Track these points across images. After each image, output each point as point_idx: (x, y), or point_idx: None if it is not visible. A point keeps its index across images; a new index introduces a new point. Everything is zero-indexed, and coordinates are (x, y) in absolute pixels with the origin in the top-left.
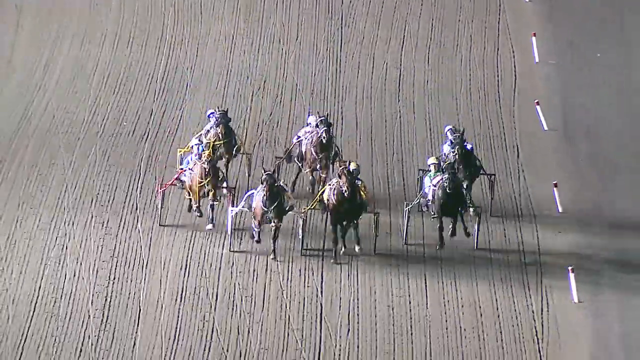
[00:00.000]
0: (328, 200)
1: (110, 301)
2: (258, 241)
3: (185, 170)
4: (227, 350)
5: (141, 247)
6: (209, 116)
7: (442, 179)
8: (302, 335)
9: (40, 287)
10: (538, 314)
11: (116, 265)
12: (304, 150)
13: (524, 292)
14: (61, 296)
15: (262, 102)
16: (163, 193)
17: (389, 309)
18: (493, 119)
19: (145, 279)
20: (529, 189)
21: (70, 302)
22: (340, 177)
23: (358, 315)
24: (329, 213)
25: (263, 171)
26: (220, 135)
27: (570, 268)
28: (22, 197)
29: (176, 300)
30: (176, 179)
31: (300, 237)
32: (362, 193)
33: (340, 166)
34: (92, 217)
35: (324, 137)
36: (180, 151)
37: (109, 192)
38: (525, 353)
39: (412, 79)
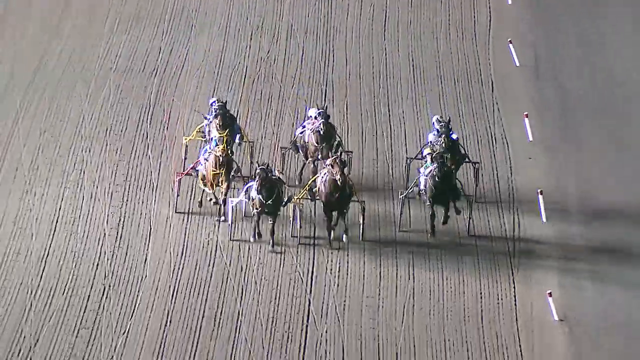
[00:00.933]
0: (319, 189)
1: (124, 221)
2: (258, 237)
3: (202, 160)
4: (230, 265)
5: (151, 172)
6: (211, 104)
7: (432, 169)
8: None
9: (60, 208)
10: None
11: (129, 189)
12: (306, 141)
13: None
14: (79, 216)
15: (260, 41)
16: (179, 182)
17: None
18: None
19: (155, 201)
20: (502, 119)
21: (88, 221)
22: (332, 166)
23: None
24: (322, 202)
25: (257, 165)
26: (217, 126)
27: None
28: (44, 127)
29: (183, 220)
30: (192, 168)
31: (298, 227)
32: (350, 184)
33: (333, 155)
34: (107, 145)
35: (321, 129)
36: (186, 139)
37: (121, 122)
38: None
39: (396, 20)
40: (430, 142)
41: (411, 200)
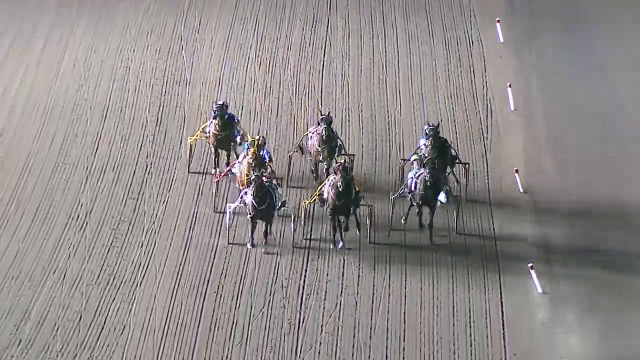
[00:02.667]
0: (327, 194)
1: (163, 109)
2: (253, 245)
3: (236, 163)
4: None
5: (185, 68)
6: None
7: (422, 172)
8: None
9: (110, 98)
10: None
11: (167, 82)
12: (309, 144)
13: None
14: (126, 105)
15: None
16: (217, 183)
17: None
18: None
19: (189, 93)
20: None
21: (133, 109)
22: (336, 173)
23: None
24: (328, 206)
25: (252, 172)
26: (217, 127)
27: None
28: (95, 30)
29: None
30: (228, 170)
31: (293, 230)
32: (356, 188)
33: (338, 162)
34: (148, 45)
35: (324, 135)
36: (190, 139)
37: (160, 26)
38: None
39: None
40: (420, 146)
41: (404, 201)
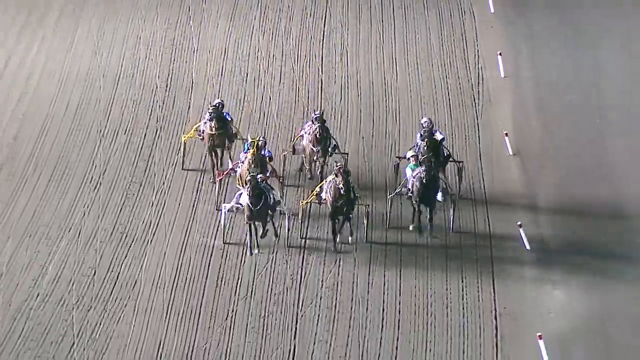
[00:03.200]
0: (326, 195)
1: (171, 75)
2: (251, 254)
3: (238, 162)
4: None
5: (192, 38)
6: (209, 109)
7: (419, 171)
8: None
9: (122, 65)
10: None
11: (175, 51)
12: (304, 144)
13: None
14: (137, 72)
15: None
16: (220, 181)
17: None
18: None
19: (196, 61)
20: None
21: (144, 76)
22: (336, 175)
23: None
24: (328, 208)
25: (248, 173)
26: (214, 128)
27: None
28: (107, 2)
29: (219, 77)
30: (231, 169)
31: (287, 230)
32: (353, 189)
33: (337, 165)
34: (157, 14)
35: (317, 133)
36: (184, 137)
37: None
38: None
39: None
40: (416, 144)
41: (401, 199)
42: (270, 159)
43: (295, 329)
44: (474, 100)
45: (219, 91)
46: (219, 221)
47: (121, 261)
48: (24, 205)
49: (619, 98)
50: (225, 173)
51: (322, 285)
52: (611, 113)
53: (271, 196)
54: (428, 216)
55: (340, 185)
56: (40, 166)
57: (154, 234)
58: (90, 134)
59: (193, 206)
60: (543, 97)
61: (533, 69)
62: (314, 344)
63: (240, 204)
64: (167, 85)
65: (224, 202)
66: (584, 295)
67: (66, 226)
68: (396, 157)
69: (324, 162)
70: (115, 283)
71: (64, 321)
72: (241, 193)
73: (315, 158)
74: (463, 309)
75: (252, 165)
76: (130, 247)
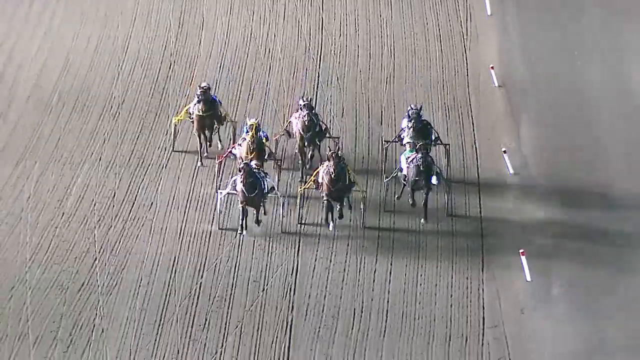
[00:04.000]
0: (322, 180)
1: (184, 14)
2: (241, 233)
3: (236, 145)
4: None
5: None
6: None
7: (415, 157)
8: None
9: (138, 3)
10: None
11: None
12: (294, 131)
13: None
14: (152, 9)
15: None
16: (219, 163)
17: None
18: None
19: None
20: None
21: (158, 14)
22: (329, 160)
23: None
24: (322, 192)
25: (241, 160)
26: (201, 110)
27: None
28: None
29: (225, 17)
30: (229, 152)
31: (282, 216)
32: (350, 174)
33: (330, 151)
34: None
35: (306, 120)
36: (175, 119)
37: None
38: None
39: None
40: (404, 128)
41: (395, 183)
42: (267, 139)
43: (298, 247)
44: (463, 37)
45: (228, 37)
46: (215, 206)
47: (139, 184)
48: (49, 133)
49: (598, 34)
50: (224, 155)
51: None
52: (589, 49)
53: (265, 183)
54: (423, 201)
55: (331, 170)
56: (63, 97)
57: (169, 159)
58: (109, 67)
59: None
60: (526, 34)
61: (518, 5)
62: (315, 260)
63: (235, 191)
64: (179, 23)
65: (219, 189)
66: (563, 215)
67: (88, 152)
68: (385, 141)
69: (314, 148)
70: (133, 204)
71: (87, 239)
72: (236, 179)
73: (306, 144)
74: (452, 228)
75: (251, 149)
76: (146, 171)
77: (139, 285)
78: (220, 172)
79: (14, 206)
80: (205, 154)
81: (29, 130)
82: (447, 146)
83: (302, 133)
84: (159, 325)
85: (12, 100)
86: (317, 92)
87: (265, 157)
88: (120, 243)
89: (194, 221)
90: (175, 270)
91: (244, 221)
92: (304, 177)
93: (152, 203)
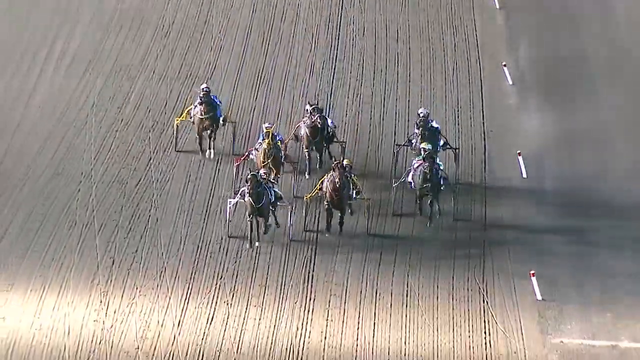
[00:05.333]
0: (325, 189)
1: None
2: (250, 246)
3: (253, 149)
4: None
5: None
6: (203, 89)
7: (422, 165)
8: None
9: None
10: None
11: None
12: (302, 134)
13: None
14: None
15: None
16: (237, 167)
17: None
18: None
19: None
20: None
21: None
22: (334, 170)
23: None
24: (325, 200)
25: (249, 171)
26: (202, 112)
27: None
28: None
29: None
30: (247, 155)
31: (289, 224)
32: (354, 184)
33: (335, 161)
34: None
35: (318, 123)
36: (177, 120)
37: None
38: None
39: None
40: (415, 132)
41: (404, 188)
42: (282, 142)
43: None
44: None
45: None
46: (226, 215)
47: (187, 93)
48: (109, 49)
49: None
50: (242, 158)
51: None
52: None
53: (272, 193)
54: (430, 207)
55: (337, 180)
56: (121, 19)
57: (212, 71)
58: None
59: (243, 51)
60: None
61: None
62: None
63: (244, 200)
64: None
65: (230, 198)
66: (555, 121)
67: (143, 65)
68: (396, 144)
69: (323, 151)
70: (182, 111)
71: (143, 141)
72: (244, 189)
73: (313, 148)
74: (458, 131)
75: (268, 155)
76: (194, 83)
77: (188, 181)
78: (238, 175)
79: (81, 112)
80: (209, 152)
81: (92, 47)
82: (456, 150)
83: (310, 137)
84: (205, 216)
85: (77, 22)
86: (331, 94)
87: (282, 160)
88: (171, 144)
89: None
90: (219, 170)
91: (252, 234)
92: (308, 175)
93: None
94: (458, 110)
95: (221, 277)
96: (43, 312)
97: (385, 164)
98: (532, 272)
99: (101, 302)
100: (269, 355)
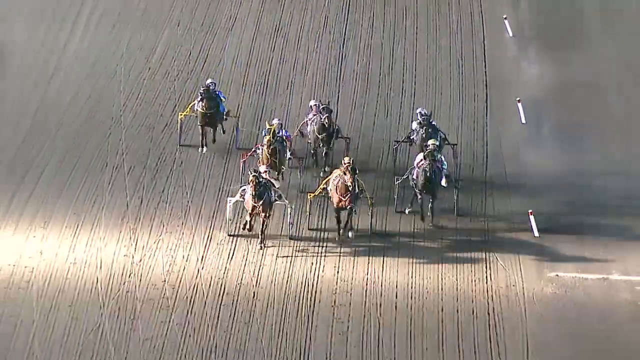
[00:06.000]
0: (332, 192)
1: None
2: (249, 229)
3: (260, 145)
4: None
5: None
6: (208, 84)
7: (423, 162)
8: None
9: None
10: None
11: None
12: (309, 131)
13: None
14: None
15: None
16: (244, 163)
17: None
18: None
19: None
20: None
21: None
22: (345, 173)
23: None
24: (332, 202)
25: (251, 171)
26: (205, 107)
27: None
28: None
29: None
30: (253, 151)
31: (289, 223)
32: (359, 185)
33: (345, 163)
34: None
35: (325, 122)
36: (181, 115)
37: None
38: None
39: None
40: (414, 129)
41: (406, 185)
42: (289, 138)
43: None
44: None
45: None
46: (226, 214)
47: (209, 44)
48: (137, 3)
49: None
50: (249, 154)
51: None
52: None
53: (272, 193)
54: (430, 205)
55: (349, 183)
56: None
57: (233, 24)
58: None
59: (261, 7)
60: None
61: None
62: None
63: (244, 199)
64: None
65: (229, 197)
66: (553, 70)
67: (168, 18)
68: (395, 141)
69: (329, 148)
70: (205, 61)
71: (168, 89)
72: (245, 187)
73: (320, 145)
74: (461, 80)
75: (269, 151)
76: (216, 34)
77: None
78: (245, 171)
79: (111, 62)
80: (203, 149)
81: (120, 2)
82: (455, 146)
83: (317, 134)
84: (227, 159)
85: None
86: (339, 89)
87: (289, 156)
88: (195, 92)
89: (253, 74)
90: (239, 115)
91: (249, 222)
92: (321, 172)
93: (220, 60)
94: (462, 61)
95: (241, 215)
96: (77, 247)
97: (387, 159)
98: (530, 211)
99: (130, 238)
100: (286, 287)
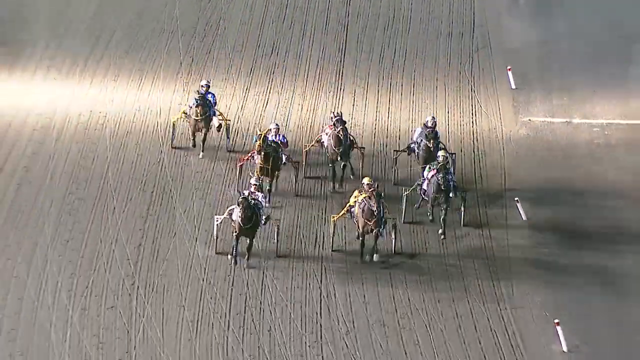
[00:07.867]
0: (357, 216)
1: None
2: (236, 262)
3: (254, 151)
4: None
5: None
6: (202, 86)
7: (435, 176)
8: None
9: None
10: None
11: None
12: (325, 145)
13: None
14: None
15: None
16: (240, 167)
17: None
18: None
19: None
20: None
21: None
22: (370, 198)
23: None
24: (357, 226)
25: (239, 194)
26: (199, 112)
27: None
28: None
29: None
30: (250, 156)
31: (276, 241)
32: (386, 208)
33: (371, 188)
34: None
35: (340, 134)
36: (173, 118)
37: None
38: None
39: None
40: (415, 140)
41: (413, 196)
42: (286, 144)
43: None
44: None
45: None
46: (212, 231)
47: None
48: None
49: None
50: (246, 159)
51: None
52: None
53: (261, 214)
54: (442, 217)
55: (374, 208)
56: None
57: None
58: None
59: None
60: None
61: None
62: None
63: (232, 219)
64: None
65: (217, 215)
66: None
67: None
68: (395, 150)
69: (346, 162)
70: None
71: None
72: (233, 208)
73: (337, 158)
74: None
75: (263, 159)
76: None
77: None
78: (242, 175)
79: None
80: (201, 155)
81: None
82: (453, 155)
83: (334, 148)
84: (262, 22)
85: None
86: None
87: (284, 162)
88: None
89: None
90: (253, 70)
91: (237, 252)
92: (334, 187)
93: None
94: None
95: (273, 72)
96: (141, 97)
97: (392, 170)
98: (508, 67)
99: (184, 90)
100: (310, 127)
